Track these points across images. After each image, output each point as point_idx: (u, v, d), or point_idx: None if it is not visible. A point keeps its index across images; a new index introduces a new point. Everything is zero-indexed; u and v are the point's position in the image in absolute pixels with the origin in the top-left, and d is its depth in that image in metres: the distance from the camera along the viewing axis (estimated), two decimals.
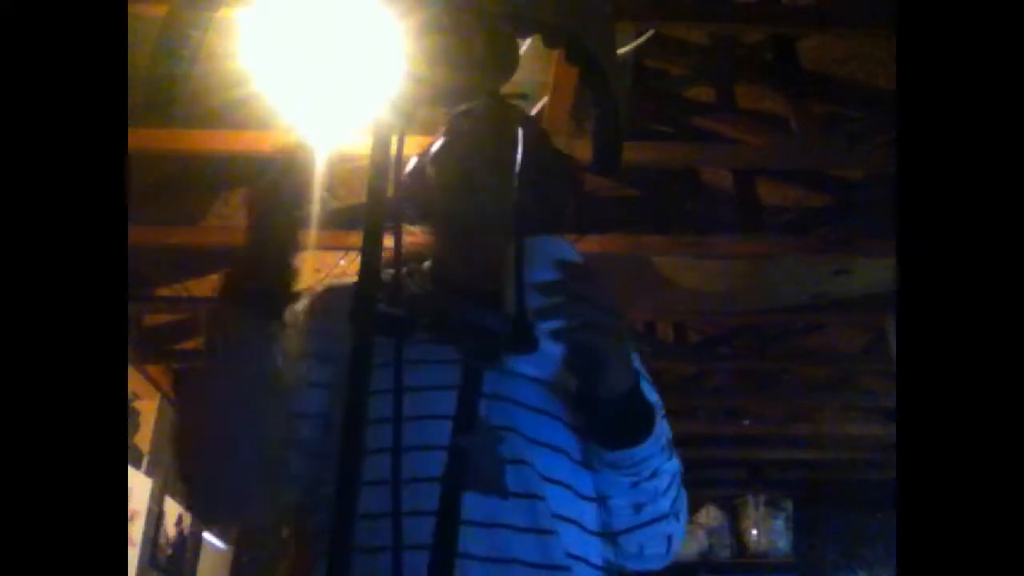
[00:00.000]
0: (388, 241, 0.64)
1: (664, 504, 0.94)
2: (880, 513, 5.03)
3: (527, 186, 0.76)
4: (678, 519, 0.97)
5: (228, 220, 2.55)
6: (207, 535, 3.87)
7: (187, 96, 0.70)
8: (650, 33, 1.90)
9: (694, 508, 5.15)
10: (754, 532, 5.14)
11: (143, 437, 3.29)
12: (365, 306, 0.60)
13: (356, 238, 0.85)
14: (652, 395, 0.95)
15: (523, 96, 0.88)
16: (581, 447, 0.92)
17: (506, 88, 0.72)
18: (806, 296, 2.62)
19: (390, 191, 0.67)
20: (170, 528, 3.48)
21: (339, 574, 0.54)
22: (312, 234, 0.87)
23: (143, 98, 0.69)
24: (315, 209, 0.85)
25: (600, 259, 2.25)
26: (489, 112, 0.97)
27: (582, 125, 2.02)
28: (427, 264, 1.04)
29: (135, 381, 3.21)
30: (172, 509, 3.45)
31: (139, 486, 3.23)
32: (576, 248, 0.86)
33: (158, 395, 3.36)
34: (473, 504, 0.76)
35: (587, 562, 0.89)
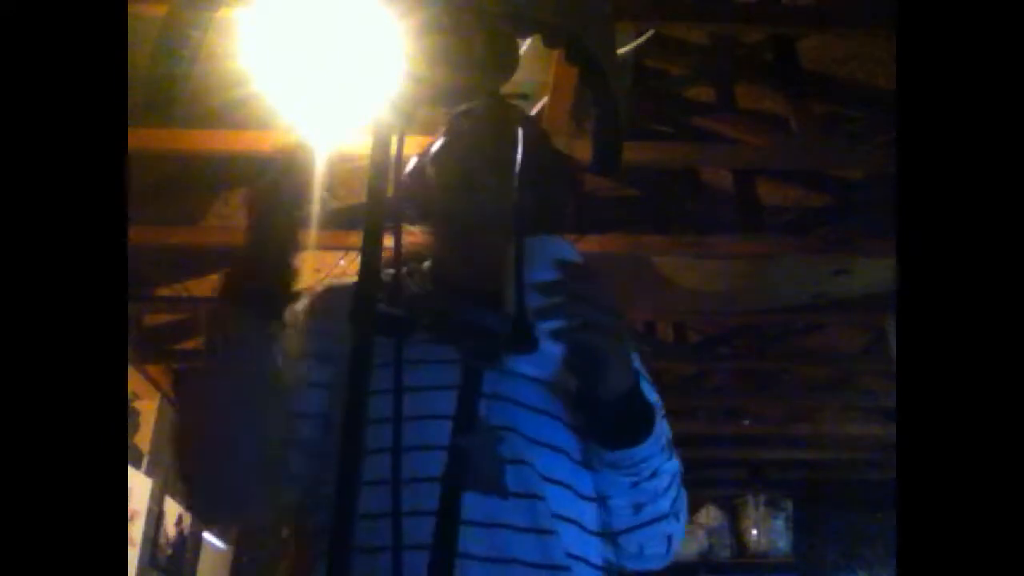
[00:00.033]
0: (388, 241, 0.64)
1: (664, 504, 0.94)
2: (880, 513, 5.03)
3: (527, 186, 0.76)
4: (678, 519, 0.97)
5: (228, 220, 2.55)
6: (207, 535, 3.87)
7: (187, 96, 0.70)
8: (650, 33, 1.90)
9: (694, 508, 5.14)
10: (754, 532, 5.14)
11: (143, 437, 3.29)
12: (365, 306, 0.60)
13: (356, 238, 0.85)
14: (652, 395, 0.95)
15: (523, 96, 0.88)
16: (581, 447, 0.92)
17: (506, 88, 0.72)
18: (806, 296, 2.62)
19: (390, 191, 0.67)
20: (170, 528, 3.48)
21: (339, 574, 0.54)
22: (312, 234, 0.87)
23: (143, 98, 0.69)
24: (315, 209, 0.85)
25: (600, 259, 2.25)
26: (489, 112, 0.97)
27: (582, 125, 2.02)
28: (427, 264, 1.04)
29: (135, 381, 3.21)
30: (172, 509, 3.45)
31: (139, 486, 3.23)
32: (576, 248, 0.86)
33: (158, 395, 3.36)
34: (473, 504, 0.76)
35: (587, 562, 0.89)
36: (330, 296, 0.98)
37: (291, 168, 0.84)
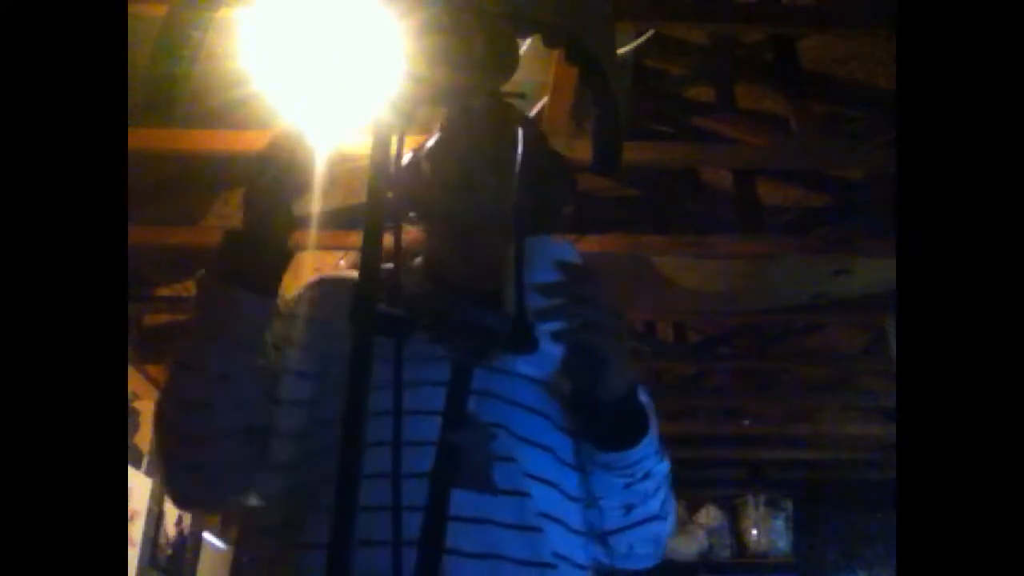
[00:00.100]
0: (388, 241, 0.64)
1: (654, 505, 0.95)
2: (880, 513, 5.02)
3: (525, 186, 0.76)
4: (667, 519, 0.98)
5: (228, 220, 2.55)
6: (207, 535, 3.87)
7: (187, 96, 0.70)
8: (650, 33, 1.90)
9: (694, 508, 5.15)
10: (754, 532, 5.14)
11: (143, 437, 3.29)
12: (365, 306, 0.60)
13: (356, 238, 0.85)
14: (644, 396, 0.95)
15: (522, 96, 0.88)
16: (570, 447, 0.92)
17: (506, 88, 0.72)
18: (806, 296, 2.62)
19: (390, 191, 0.67)
20: (170, 528, 3.48)
21: (339, 573, 0.54)
22: (312, 234, 0.87)
23: (143, 98, 0.69)
24: (311, 187, 0.85)
25: (600, 259, 2.25)
26: (488, 112, 0.97)
27: (582, 125, 2.02)
28: (419, 260, 1.04)
29: (135, 381, 3.21)
30: (172, 509, 3.45)
31: (139, 486, 3.23)
32: (576, 248, 0.86)
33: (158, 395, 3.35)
34: (461, 500, 0.76)
35: (571, 561, 0.89)
36: (322, 287, 0.98)
37: (288, 150, 0.84)
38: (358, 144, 1.79)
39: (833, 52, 2.29)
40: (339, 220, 2.15)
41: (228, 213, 2.56)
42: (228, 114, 2.00)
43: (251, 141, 1.98)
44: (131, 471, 3.13)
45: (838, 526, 5.25)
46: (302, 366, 0.92)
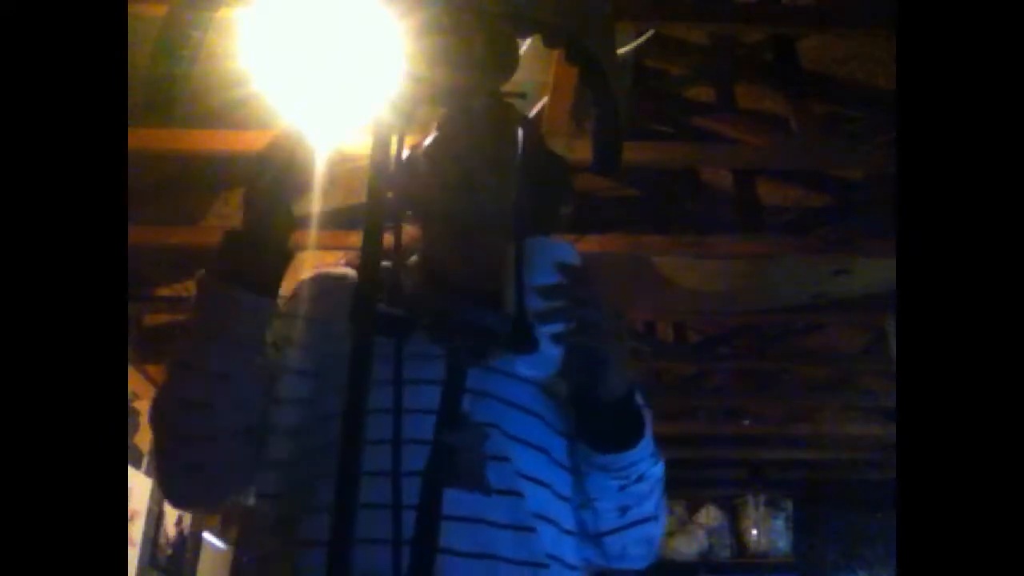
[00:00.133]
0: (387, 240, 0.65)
1: (649, 507, 0.95)
2: (880, 513, 5.02)
3: (524, 186, 0.76)
4: (659, 521, 0.98)
5: (228, 220, 2.55)
6: (207, 535, 3.87)
7: (187, 96, 0.70)
8: (650, 33, 1.90)
9: (694, 508, 5.15)
10: (754, 532, 5.14)
11: (143, 437, 3.29)
12: (365, 306, 0.60)
13: (356, 238, 0.85)
14: (640, 398, 0.95)
15: (522, 96, 0.88)
16: (563, 448, 0.92)
17: (506, 88, 0.72)
18: (806, 296, 2.62)
19: (390, 191, 0.67)
20: (170, 528, 3.48)
21: (339, 572, 0.54)
22: (312, 234, 0.87)
23: (143, 98, 0.69)
24: (311, 188, 0.85)
25: (600, 259, 2.25)
26: (489, 112, 0.97)
27: (582, 125, 2.02)
28: (414, 259, 1.04)
29: (135, 381, 3.20)
30: (172, 509, 3.45)
31: (139, 486, 3.23)
32: (576, 249, 0.86)
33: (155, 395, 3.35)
34: (454, 499, 0.77)
35: (563, 562, 0.89)
36: (318, 284, 0.98)
37: (288, 150, 0.84)
38: (358, 144, 1.80)
39: (833, 52, 2.29)
40: (339, 220, 2.15)
41: (228, 213, 2.56)
42: (228, 114, 2.00)
43: (251, 141, 1.98)
44: (131, 471, 3.13)
45: (838, 526, 5.24)
46: (301, 364, 0.92)
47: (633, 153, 2.05)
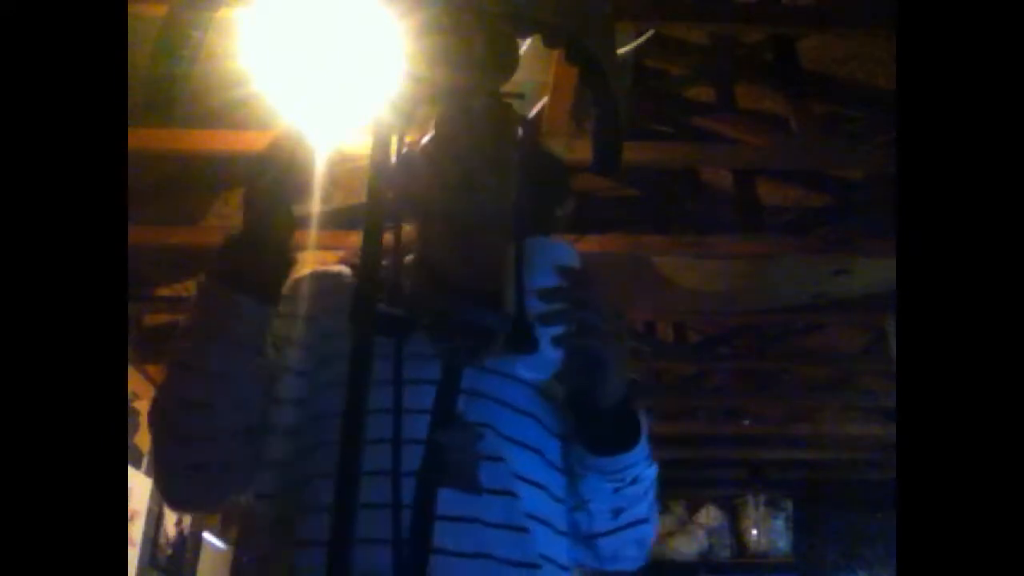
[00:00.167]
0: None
1: (642, 509, 0.96)
2: (880, 513, 5.02)
3: (523, 186, 0.76)
4: (652, 523, 0.99)
5: (228, 220, 2.55)
6: (207, 535, 3.88)
7: (187, 96, 0.70)
8: (650, 33, 1.90)
9: (694, 508, 5.15)
10: (754, 532, 5.14)
11: (143, 437, 3.29)
12: (365, 306, 0.60)
13: (356, 238, 0.85)
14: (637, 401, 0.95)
15: (522, 96, 0.88)
16: (558, 450, 0.92)
17: (506, 88, 0.72)
18: (806, 296, 2.62)
19: (390, 191, 0.67)
20: (170, 528, 3.48)
21: (339, 572, 0.54)
22: (312, 234, 0.87)
23: (143, 98, 0.69)
24: (312, 192, 0.85)
25: (600, 259, 2.25)
26: (488, 112, 0.97)
27: (582, 125, 2.02)
28: (410, 258, 1.04)
29: (135, 381, 3.20)
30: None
31: (139, 486, 3.23)
32: (575, 249, 0.86)
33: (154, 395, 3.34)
34: (448, 499, 0.77)
35: (556, 563, 0.89)
36: (313, 283, 0.98)
37: (289, 150, 0.84)
38: (358, 144, 1.79)
39: (833, 52, 2.29)
40: (339, 220, 2.15)
41: (228, 213, 2.56)
42: (228, 114, 2.00)
43: (251, 141, 1.98)
44: (131, 471, 3.13)
45: (838, 526, 5.24)
46: (300, 364, 0.92)
47: (633, 153, 2.05)
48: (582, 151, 0.92)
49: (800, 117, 2.17)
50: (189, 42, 0.69)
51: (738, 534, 5.21)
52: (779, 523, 5.15)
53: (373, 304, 0.61)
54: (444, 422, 0.77)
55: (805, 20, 2.04)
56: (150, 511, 3.30)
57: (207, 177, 2.42)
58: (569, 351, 0.80)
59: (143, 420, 3.31)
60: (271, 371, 0.89)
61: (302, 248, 0.89)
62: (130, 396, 3.20)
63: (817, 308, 2.77)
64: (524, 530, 0.85)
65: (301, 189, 0.85)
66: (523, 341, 0.76)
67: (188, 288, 2.91)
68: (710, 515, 5.20)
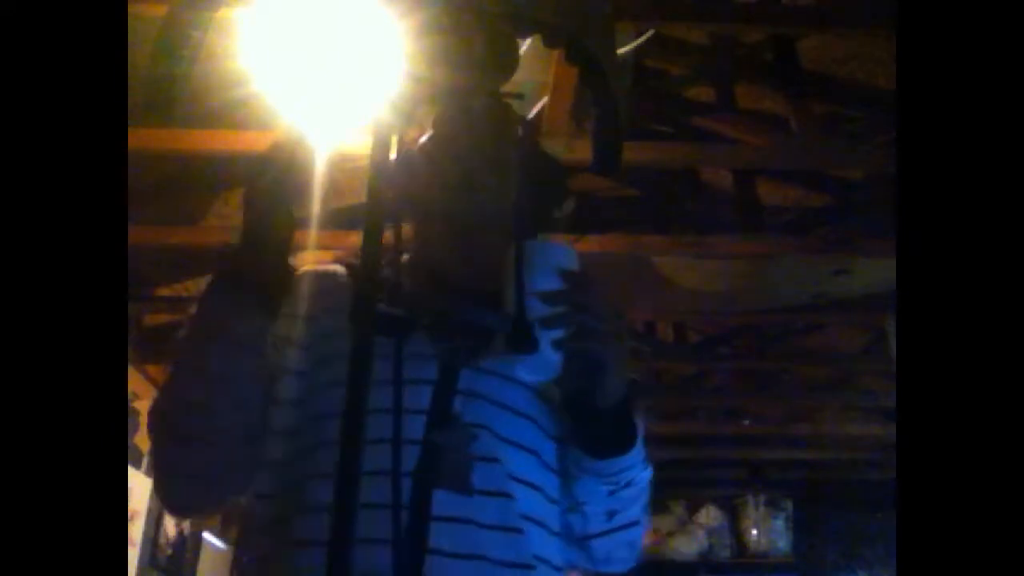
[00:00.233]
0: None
1: (635, 511, 0.96)
2: (880, 513, 5.02)
3: (521, 187, 0.76)
4: (643, 525, 0.99)
5: (228, 220, 2.55)
6: (207, 535, 3.88)
7: (187, 96, 0.70)
8: (650, 33, 1.90)
9: (694, 508, 5.15)
10: (754, 532, 5.13)
11: (143, 437, 3.28)
12: (365, 306, 0.60)
13: (356, 238, 0.85)
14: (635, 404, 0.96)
15: (521, 96, 0.88)
16: (554, 452, 0.92)
17: (506, 88, 0.72)
18: (806, 296, 2.62)
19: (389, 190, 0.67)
20: (170, 528, 3.48)
21: (339, 572, 0.54)
22: (312, 234, 0.86)
23: (143, 98, 0.69)
24: (312, 194, 0.85)
25: (600, 259, 2.25)
26: (488, 112, 0.97)
27: (582, 125, 2.02)
28: (406, 257, 1.03)
29: (135, 381, 3.20)
30: None
31: (139, 486, 3.23)
32: (575, 251, 0.86)
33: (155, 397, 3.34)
34: (443, 500, 0.76)
35: (550, 564, 0.90)
36: (311, 282, 0.97)
37: (289, 150, 0.84)
38: (358, 144, 1.79)
39: (833, 52, 2.29)
40: (339, 220, 2.15)
41: (228, 213, 2.56)
42: (228, 114, 2.00)
43: (251, 141, 1.98)
44: (131, 471, 3.13)
45: (838, 526, 5.24)
46: (299, 364, 0.92)
47: (633, 153, 2.05)
48: (582, 151, 0.92)
49: (800, 117, 2.17)
50: (189, 42, 0.69)
51: (738, 534, 5.21)
52: (779, 523, 5.15)
53: (373, 304, 0.61)
54: (440, 423, 0.77)
55: (805, 20, 2.04)
56: (150, 511, 3.30)
57: (207, 177, 2.42)
58: (568, 353, 0.80)
59: (143, 420, 3.31)
60: (272, 371, 0.89)
61: (301, 247, 0.89)
62: (130, 396, 3.20)
63: (817, 308, 2.77)
64: (518, 531, 0.86)
65: (301, 189, 0.85)
66: (523, 341, 0.76)
67: (188, 288, 2.91)
68: (710, 515, 5.20)
